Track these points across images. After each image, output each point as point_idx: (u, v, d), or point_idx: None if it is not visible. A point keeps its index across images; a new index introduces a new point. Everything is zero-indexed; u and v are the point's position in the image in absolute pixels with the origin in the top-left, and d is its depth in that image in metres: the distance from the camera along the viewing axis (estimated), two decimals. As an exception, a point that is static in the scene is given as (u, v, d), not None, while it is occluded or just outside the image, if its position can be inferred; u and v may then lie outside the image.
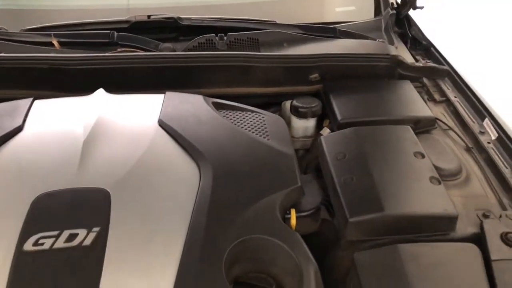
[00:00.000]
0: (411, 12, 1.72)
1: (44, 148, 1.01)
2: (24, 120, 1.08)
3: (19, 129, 1.06)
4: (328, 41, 1.50)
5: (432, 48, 1.61)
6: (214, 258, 0.81)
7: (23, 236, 0.82)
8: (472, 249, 0.90)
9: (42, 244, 0.81)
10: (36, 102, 1.16)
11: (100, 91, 1.18)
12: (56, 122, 1.09)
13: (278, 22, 1.52)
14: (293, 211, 0.98)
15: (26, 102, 1.15)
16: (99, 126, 1.04)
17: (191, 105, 1.17)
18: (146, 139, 1.04)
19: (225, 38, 1.43)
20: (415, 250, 0.88)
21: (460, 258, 0.89)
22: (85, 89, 1.19)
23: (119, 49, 1.37)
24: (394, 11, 1.67)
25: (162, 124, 1.08)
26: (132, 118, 1.11)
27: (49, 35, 1.38)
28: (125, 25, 1.44)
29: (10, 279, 0.77)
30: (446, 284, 0.84)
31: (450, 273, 0.86)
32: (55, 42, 1.35)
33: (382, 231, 0.93)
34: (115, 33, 1.40)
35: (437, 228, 0.95)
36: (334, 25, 1.55)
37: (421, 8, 1.65)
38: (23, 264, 0.79)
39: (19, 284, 0.77)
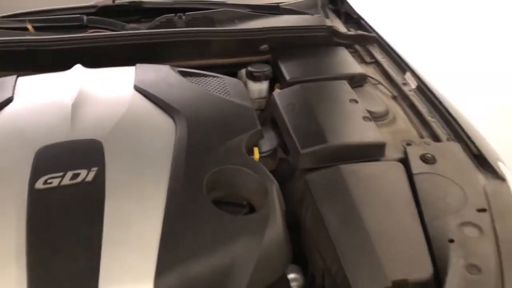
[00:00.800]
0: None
1: (37, 113, 1.16)
2: (13, 92, 1.23)
3: (9, 100, 1.20)
4: (273, 17, 1.72)
5: (362, 21, 1.86)
6: (195, 184, 1.01)
7: (33, 178, 0.97)
8: (398, 165, 1.15)
9: (50, 183, 0.97)
10: (20, 78, 1.30)
11: (78, 66, 1.33)
12: (43, 92, 1.24)
13: (228, 2, 1.72)
14: (255, 149, 1.19)
15: (11, 78, 1.29)
16: (84, 92, 1.20)
17: (160, 73, 1.35)
18: (126, 101, 1.21)
19: (183, 17, 1.62)
20: (354, 168, 1.11)
21: (389, 171, 1.13)
22: (61, 68, 1.34)
23: (90, 31, 1.53)
24: (328, -10, 1.92)
25: (137, 88, 1.26)
26: (110, 85, 1.28)
27: (24, 21, 1.51)
28: (93, 10, 1.60)
29: (28, 213, 0.92)
30: (379, 190, 1.07)
31: (382, 182, 1.09)
32: (29, 27, 1.49)
33: (327, 159, 1.16)
34: (85, 17, 1.56)
35: (370, 154, 1.18)
36: (277, 4, 1.77)
37: (351, -14, 1.90)
38: (37, 200, 0.94)
39: (36, 216, 0.92)
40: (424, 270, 0.92)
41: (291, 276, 1.09)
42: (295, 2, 1.82)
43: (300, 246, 1.13)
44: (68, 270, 0.85)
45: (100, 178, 0.99)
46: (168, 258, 0.88)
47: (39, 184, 0.96)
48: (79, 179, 0.98)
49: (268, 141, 1.30)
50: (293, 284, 1.09)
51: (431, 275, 0.92)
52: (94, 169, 1.00)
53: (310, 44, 1.60)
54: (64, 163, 1.02)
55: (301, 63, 1.52)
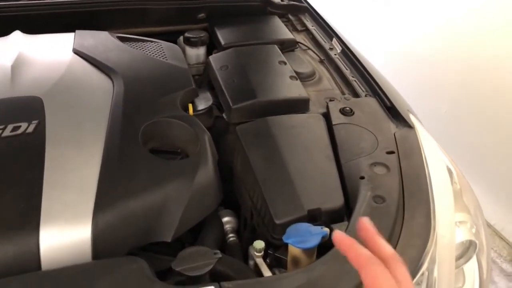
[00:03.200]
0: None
1: (-24, 73, 1.21)
2: None
3: None
4: None
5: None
6: (132, 134, 1.09)
7: None
8: (319, 117, 1.27)
9: (-9, 135, 1.03)
10: None
11: (17, 32, 1.38)
12: (-18, 56, 1.28)
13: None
14: (190, 105, 1.29)
15: None
16: (23, 54, 1.26)
17: (99, 38, 1.41)
18: (65, 62, 1.27)
19: (122, -14, 1.67)
20: (279, 119, 1.23)
21: (310, 122, 1.25)
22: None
23: (29, -1, 1.57)
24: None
25: (76, 51, 1.32)
26: (49, 49, 1.33)
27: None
28: None
29: None
30: (300, 137, 1.19)
31: (303, 131, 1.21)
32: (-35, -6, 1.51)
33: (256, 114, 1.26)
34: None
35: (295, 109, 1.30)
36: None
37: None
38: (-22, 150, 1.01)
39: None
40: (335, 201, 1.05)
41: (225, 219, 1.20)
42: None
43: (234, 193, 1.24)
44: (11, 209, 0.92)
45: (40, 129, 1.05)
46: (106, 196, 0.96)
47: (-22, 136, 1.02)
48: (19, 131, 1.05)
49: (205, 101, 1.39)
50: (226, 226, 1.20)
51: (341, 205, 1.05)
52: (35, 121, 1.07)
53: (246, 13, 1.70)
54: (4, 117, 1.07)
55: (236, 29, 1.62)
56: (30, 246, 0.89)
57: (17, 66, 1.21)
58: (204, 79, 1.54)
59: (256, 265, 1.03)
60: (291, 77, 1.37)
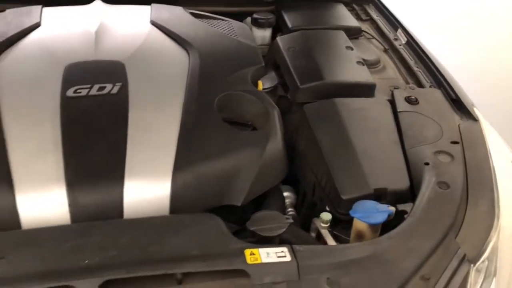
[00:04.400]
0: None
1: (63, 36, 1.28)
2: (40, 19, 1.34)
3: (37, 24, 1.31)
4: None
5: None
6: (208, 103, 1.14)
7: (64, 87, 1.10)
8: (385, 102, 1.29)
9: (80, 92, 1.10)
10: (45, 8, 1.41)
11: (98, 1, 1.45)
12: (67, 21, 1.36)
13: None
14: (259, 81, 1.33)
15: (36, 7, 1.40)
16: (105, 21, 1.32)
17: (173, 12, 1.47)
18: (144, 32, 1.33)
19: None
20: (346, 101, 1.26)
21: (377, 106, 1.27)
22: (78, 2, 1.45)
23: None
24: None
25: (153, 23, 1.38)
26: (129, 19, 1.40)
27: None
28: None
29: (62, 114, 1.05)
30: (367, 120, 1.22)
31: (370, 114, 1.24)
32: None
33: (322, 95, 1.29)
34: None
35: (361, 93, 1.32)
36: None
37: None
38: (68, 105, 1.07)
39: (69, 118, 1.05)
40: (402, 182, 1.07)
41: (285, 194, 1.24)
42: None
43: (294, 171, 1.28)
44: (99, 160, 0.99)
45: (124, 92, 1.12)
46: (184, 157, 1.02)
47: (70, 93, 1.10)
48: (105, 91, 1.11)
49: (269, 80, 1.43)
50: (286, 200, 1.24)
51: (407, 187, 1.07)
52: (118, 84, 1.13)
53: (311, 0, 1.73)
54: (91, 78, 1.14)
55: (302, 14, 1.65)
56: (115, 195, 0.95)
57: (100, 32, 1.27)
58: (269, 59, 1.58)
59: (318, 237, 1.07)
60: (358, 62, 1.39)
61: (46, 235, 0.87)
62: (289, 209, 1.22)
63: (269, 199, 1.15)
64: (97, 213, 0.94)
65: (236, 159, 1.06)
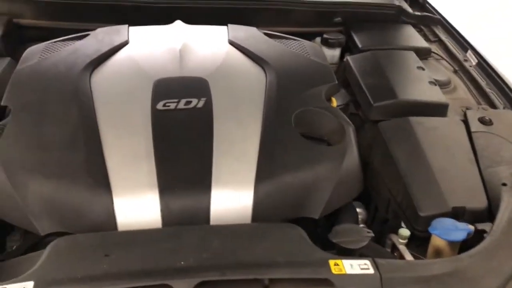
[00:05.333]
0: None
1: (150, 53, 1.37)
2: (128, 37, 1.44)
3: (126, 42, 1.42)
4: None
5: (427, 5, 2.00)
6: (285, 117, 1.20)
7: (154, 101, 1.18)
8: (459, 122, 1.30)
9: (168, 106, 1.18)
10: (131, 27, 1.52)
11: (179, 22, 1.54)
12: (153, 39, 1.45)
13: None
14: (333, 98, 1.37)
15: (124, 26, 1.51)
16: (188, 40, 1.41)
17: (249, 32, 1.54)
18: (223, 51, 1.41)
19: (269, -12, 1.81)
20: (421, 120, 1.27)
21: (451, 125, 1.28)
22: (161, 22, 1.54)
23: (187, -7, 1.74)
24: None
25: (231, 42, 1.45)
26: (208, 38, 1.48)
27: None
28: None
29: (153, 125, 1.12)
30: (442, 138, 1.23)
31: (444, 133, 1.25)
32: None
33: (395, 113, 1.32)
34: None
35: (434, 112, 1.33)
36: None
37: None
38: (159, 117, 1.15)
39: (159, 129, 1.12)
40: (479, 201, 1.08)
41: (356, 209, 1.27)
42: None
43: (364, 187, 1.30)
44: (188, 168, 1.06)
45: (208, 106, 1.18)
46: (265, 168, 1.07)
47: (160, 106, 1.17)
48: (191, 105, 1.19)
49: (341, 97, 1.47)
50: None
51: (485, 206, 1.07)
52: (203, 99, 1.20)
53: (380, 20, 1.77)
54: (178, 92, 1.22)
55: (371, 34, 1.69)
56: (203, 202, 1.01)
57: (184, 50, 1.36)
58: (339, 77, 1.62)
59: (392, 252, 1.08)
60: (430, 82, 1.41)
61: (143, 236, 0.94)
62: (361, 225, 1.24)
63: (344, 214, 1.18)
64: (186, 218, 1.01)
65: (315, 172, 1.10)
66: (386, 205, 1.20)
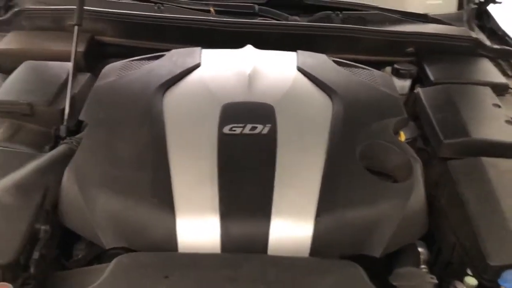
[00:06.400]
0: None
1: (220, 77, 1.41)
2: (200, 60, 1.49)
3: (198, 65, 1.46)
4: (421, 24, 1.84)
5: (507, 38, 1.92)
6: (350, 150, 1.18)
7: (221, 125, 1.20)
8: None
9: (234, 130, 1.19)
10: (203, 50, 1.56)
11: (249, 46, 1.57)
12: (224, 62, 1.49)
13: (381, 7, 1.88)
14: (401, 132, 1.34)
15: (197, 49, 1.55)
16: (257, 65, 1.43)
17: (318, 59, 1.54)
18: (291, 77, 1.41)
19: (340, 15, 1.81)
20: (494, 161, 1.21)
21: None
22: (233, 46, 1.58)
23: (260, 19, 1.78)
24: (475, 6, 1.99)
25: (299, 69, 1.46)
26: (277, 64, 1.50)
27: (208, 4, 1.80)
28: (263, 1, 1.85)
29: (218, 149, 1.14)
30: None
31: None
32: (212, 9, 1.77)
33: (467, 152, 1.26)
34: (256, 6, 1.82)
35: (509, 154, 1.26)
36: (426, 13, 1.90)
37: (500, 3, 1.96)
38: (225, 141, 1.17)
39: (225, 153, 1.13)
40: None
41: (418, 249, 1.22)
42: (442, 14, 1.92)
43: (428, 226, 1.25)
44: (249, 195, 1.06)
45: (273, 133, 1.19)
46: (327, 201, 1.05)
47: (226, 130, 1.19)
48: (256, 131, 1.20)
49: (409, 131, 1.43)
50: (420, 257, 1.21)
51: None
52: (268, 125, 1.21)
53: (454, 52, 1.71)
54: (244, 117, 1.23)
55: (445, 67, 1.64)
56: (262, 230, 1.01)
57: (253, 75, 1.38)
58: (408, 110, 1.58)
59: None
60: (506, 121, 1.34)
61: (203, 261, 0.96)
62: (422, 266, 1.19)
63: (405, 255, 1.13)
64: (244, 245, 1.01)
65: (378, 209, 1.07)
66: (451, 248, 1.14)
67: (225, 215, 1.03)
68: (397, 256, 1.12)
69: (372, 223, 1.06)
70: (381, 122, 1.29)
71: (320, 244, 1.02)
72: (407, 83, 1.65)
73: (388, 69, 1.69)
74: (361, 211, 1.06)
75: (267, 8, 1.83)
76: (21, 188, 1.08)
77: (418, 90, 1.50)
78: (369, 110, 1.34)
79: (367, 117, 1.30)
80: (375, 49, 1.72)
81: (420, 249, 1.21)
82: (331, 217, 1.04)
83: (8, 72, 1.52)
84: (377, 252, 1.05)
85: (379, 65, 1.72)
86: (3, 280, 0.92)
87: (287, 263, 0.96)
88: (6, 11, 1.82)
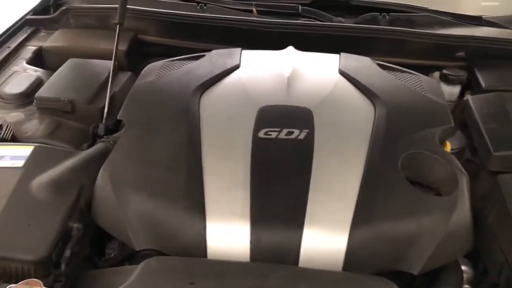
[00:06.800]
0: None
1: (259, 79, 1.38)
2: (240, 61, 1.46)
3: (237, 66, 1.44)
4: (474, 27, 1.74)
5: None
6: (392, 159, 1.12)
7: (257, 128, 1.17)
8: None
9: (270, 134, 1.16)
10: (243, 51, 1.54)
11: (291, 48, 1.53)
12: (263, 64, 1.46)
13: (430, 9, 1.80)
14: (447, 142, 1.26)
15: (237, 50, 1.53)
16: (297, 68, 1.39)
17: (361, 62, 1.48)
18: (332, 81, 1.37)
19: (387, 16, 1.74)
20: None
21: None
22: (274, 47, 1.55)
23: (303, 19, 1.74)
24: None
25: (341, 72, 1.41)
26: (318, 66, 1.45)
27: (250, 4, 1.78)
28: (307, 1, 1.81)
29: (252, 153, 1.11)
30: None
31: None
32: (254, 9, 1.75)
33: None
34: (300, 7, 1.78)
35: None
36: (480, 16, 1.79)
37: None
38: (259, 145, 1.14)
39: (258, 157, 1.10)
40: None
41: (462, 268, 1.14)
42: (498, 16, 1.81)
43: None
44: (282, 203, 1.03)
45: (310, 138, 1.15)
46: (364, 213, 1.00)
47: (261, 134, 1.16)
48: (292, 136, 1.16)
49: (456, 140, 1.35)
50: (463, 275, 1.14)
51: None
52: (305, 130, 1.17)
53: (508, 58, 1.60)
54: (281, 121, 1.20)
55: (498, 73, 1.54)
56: (294, 241, 0.98)
57: (292, 78, 1.34)
58: (456, 118, 1.49)
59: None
60: None
61: (231, 269, 0.93)
62: (465, 286, 1.11)
63: (447, 274, 1.07)
64: (275, 255, 0.98)
65: (419, 223, 1.01)
66: (498, 269, 1.06)
67: (256, 222, 1.00)
68: (438, 274, 1.05)
69: (411, 237, 1.00)
70: (426, 131, 1.22)
71: (355, 257, 0.97)
72: (456, 89, 1.56)
73: (436, 74, 1.61)
74: (400, 224, 1.00)
75: (310, 8, 1.78)
76: (56, 185, 1.09)
77: (468, 97, 1.42)
78: (414, 117, 1.27)
79: (411, 125, 1.23)
80: (423, 52, 1.64)
81: (463, 268, 1.14)
82: (367, 229, 0.99)
83: (54, 69, 1.56)
84: (415, 269, 0.99)
85: (426, 70, 1.64)
86: (35, 277, 0.94)
87: (318, 277, 0.92)
88: (55, 10, 1.87)
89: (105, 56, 1.56)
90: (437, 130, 1.23)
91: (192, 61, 1.49)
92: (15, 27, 1.77)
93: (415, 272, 0.99)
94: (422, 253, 0.99)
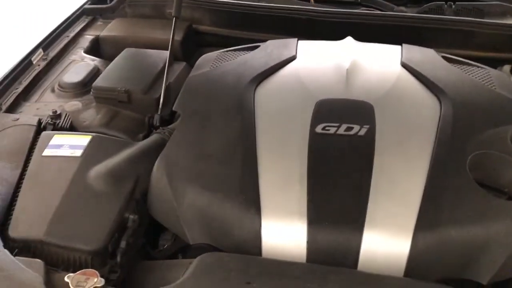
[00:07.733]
0: None
1: (316, 71, 1.33)
2: (296, 52, 1.42)
3: (293, 57, 1.39)
4: None
5: None
6: (459, 159, 1.05)
7: (314, 123, 1.13)
8: None
9: (328, 129, 1.11)
10: (300, 41, 1.49)
11: (350, 38, 1.47)
12: (321, 55, 1.41)
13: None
14: (522, 142, 1.17)
15: (293, 40, 1.49)
16: (357, 60, 1.33)
17: (425, 55, 1.40)
18: (394, 74, 1.30)
19: (453, 6, 1.64)
20: None
21: None
22: (333, 38, 1.49)
23: (362, 8, 1.67)
24: None
25: (404, 65, 1.33)
26: (379, 58, 1.39)
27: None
28: None
29: (309, 150, 1.07)
30: None
31: None
32: (312, -1, 1.70)
33: None
34: None
35: None
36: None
37: None
38: (316, 141, 1.09)
39: (316, 154, 1.07)
40: None
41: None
42: None
43: None
44: (341, 202, 0.98)
45: (370, 135, 1.10)
46: (428, 217, 0.95)
47: (319, 129, 1.12)
48: (352, 132, 1.11)
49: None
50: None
51: None
52: (366, 126, 1.12)
53: None
54: (339, 116, 1.15)
55: None
56: (353, 243, 0.93)
57: (352, 70, 1.28)
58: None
59: None
60: None
61: (287, 270, 0.90)
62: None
63: None
64: (332, 257, 0.94)
65: (489, 229, 0.94)
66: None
67: (313, 222, 0.96)
68: (509, 286, 0.98)
69: (480, 244, 0.93)
70: (496, 130, 1.14)
71: (417, 263, 0.92)
72: (529, 84, 1.45)
73: (507, 68, 1.50)
74: (468, 230, 0.94)
75: (370, -3, 1.71)
76: (113, 176, 1.09)
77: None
78: (483, 114, 1.18)
79: (480, 123, 1.15)
80: (492, 44, 1.53)
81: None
82: (432, 234, 0.93)
83: (111, 58, 1.57)
84: (484, 278, 0.92)
85: (496, 63, 1.54)
86: (91, 266, 0.94)
87: (378, 282, 0.87)
88: (112, -1, 1.89)
89: (160, 45, 1.56)
90: (509, 128, 1.15)
91: (246, 52, 1.46)
92: (73, 16, 1.80)
93: (484, 282, 0.92)
94: (492, 262, 0.93)
